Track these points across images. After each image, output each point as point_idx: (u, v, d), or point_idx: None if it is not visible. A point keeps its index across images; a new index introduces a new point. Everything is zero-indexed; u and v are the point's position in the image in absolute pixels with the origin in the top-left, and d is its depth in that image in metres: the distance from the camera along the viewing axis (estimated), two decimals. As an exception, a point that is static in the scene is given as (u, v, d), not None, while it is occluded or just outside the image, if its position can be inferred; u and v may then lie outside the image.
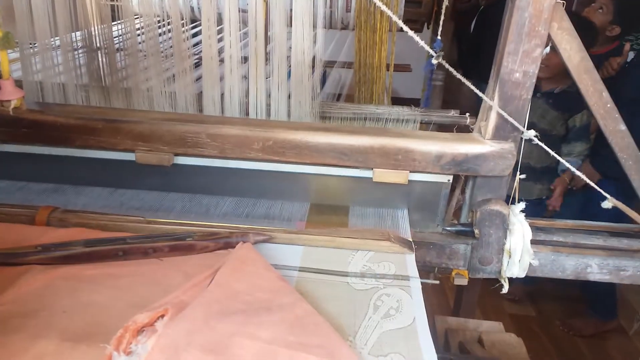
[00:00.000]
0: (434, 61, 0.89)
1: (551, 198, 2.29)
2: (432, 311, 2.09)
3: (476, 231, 0.99)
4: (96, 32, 1.12)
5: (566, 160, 1.04)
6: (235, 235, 0.86)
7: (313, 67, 1.09)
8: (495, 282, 1.04)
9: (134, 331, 0.62)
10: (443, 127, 1.25)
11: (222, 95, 1.09)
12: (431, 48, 0.90)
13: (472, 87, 0.92)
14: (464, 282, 1.04)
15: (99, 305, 0.72)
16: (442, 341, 1.45)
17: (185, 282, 0.74)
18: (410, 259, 0.90)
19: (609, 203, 1.01)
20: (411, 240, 0.95)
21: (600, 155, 2.17)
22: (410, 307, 0.77)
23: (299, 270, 0.84)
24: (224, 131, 0.97)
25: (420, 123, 1.28)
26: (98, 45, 1.13)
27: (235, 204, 1.06)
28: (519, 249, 0.97)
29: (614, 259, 1.02)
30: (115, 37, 1.14)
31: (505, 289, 1.01)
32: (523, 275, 1.00)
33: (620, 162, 1.00)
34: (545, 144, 0.95)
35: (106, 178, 1.08)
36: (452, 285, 1.07)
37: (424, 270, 1.02)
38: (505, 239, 0.98)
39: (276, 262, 0.83)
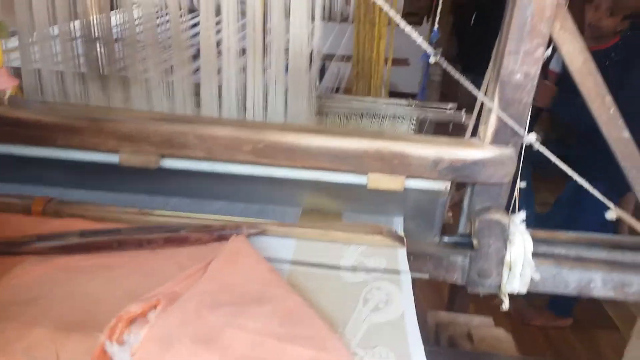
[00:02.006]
0: (432, 61, 0.87)
1: None
2: (425, 306, 2.11)
3: (475, 241, 0.95)
4: (94, 22, 1.12)
5: None
6: (229, 228, 0.87)
7: (311, 59, 1.09)
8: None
9: (127, 321, 0.63)
10: (439, 125, 1.25)
11: (220, 87, 1.09)
12: (428, 39, 0.88)
13: (471, 88, 0.88)
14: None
15: (94, 295, 0.73)
16: (433, 335, 1.46)
17: (178, 274, 0.75)
18: (402, 253, 0.90)
19: (613, 213, 0.95)
20: (403, 235, 0.96)
21: (584, 157, 2.17)
22: (399, 300, 0.78)
23: (292, 264, 0.85)
24: (213, 132, 0.94)
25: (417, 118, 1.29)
26: (96, 35, 1.13)
27: (226, 208, 1.03)
28: (520, 261, 0.93)
29: (618, 274, 0.96)
30: (113, 27, 1.14)
31: (505, 306, 0.94)
32: (524, 291, 0.95)
33: (624, 171, 0.94)
34: None
35: (91, 181, 1.04)
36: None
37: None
38: (505, 250, 0.94)
39: (269, 255, 0.84)
